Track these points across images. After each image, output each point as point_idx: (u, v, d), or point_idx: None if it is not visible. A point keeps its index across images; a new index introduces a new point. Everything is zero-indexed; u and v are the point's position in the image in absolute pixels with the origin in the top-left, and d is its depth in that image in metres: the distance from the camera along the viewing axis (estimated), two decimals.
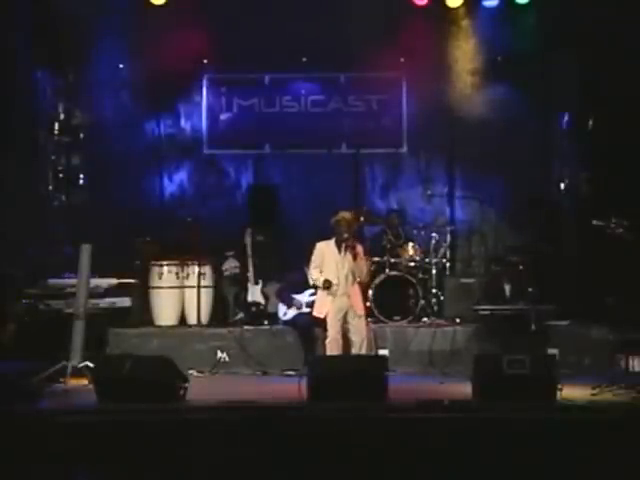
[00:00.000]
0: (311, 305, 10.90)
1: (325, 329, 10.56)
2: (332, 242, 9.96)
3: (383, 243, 11.83)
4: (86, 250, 10.20)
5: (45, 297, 10.68)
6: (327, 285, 9.88)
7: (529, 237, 12.26)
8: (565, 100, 12.50)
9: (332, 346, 9.82)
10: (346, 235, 9.84)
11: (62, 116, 12.52)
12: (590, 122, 12.08)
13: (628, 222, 9.09)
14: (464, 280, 11.85)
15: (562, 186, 12.64)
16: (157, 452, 7.29)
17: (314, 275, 10.05)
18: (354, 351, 9.83)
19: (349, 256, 9.85)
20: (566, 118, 12.60)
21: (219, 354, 10.85)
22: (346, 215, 10.01)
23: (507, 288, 11.15)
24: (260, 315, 11.56)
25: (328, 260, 9.91)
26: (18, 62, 11.69)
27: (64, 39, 11.98)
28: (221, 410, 8.00)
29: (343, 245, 9.88)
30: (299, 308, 10.96)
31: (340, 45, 12.18)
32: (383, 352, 10.51)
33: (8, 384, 8.27)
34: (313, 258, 10.05)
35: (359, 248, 9.97)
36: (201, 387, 9.20)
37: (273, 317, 11.38)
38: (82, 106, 12.63)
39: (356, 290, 10.01)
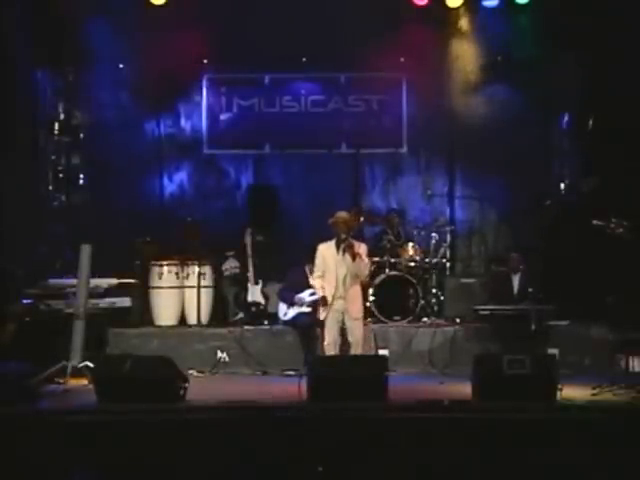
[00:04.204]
0: (311, 305, 10.91)
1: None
2: (332, 243, 9.86)
3: (383, 243, 11.84)
4: (86, 250, 10.21)
5: (45, 297, 10.67)
6: (324, 302, 9.82)
7: (529, 237, 12.27)
8: (565, 100, 12.50)
9: (329, 349, 9.77)
10: (343, 236, 9.72)
11: (62, 116, 12.53)
12: (590, 122, 12.09)
13: (628, 222, 9.10)
14: (464, 280, 11.84)
15: (562, 186, 12.66)
16: (157, 452, 7.29)
17: (316, 285, 10.07)
18: (351, 352, 9.81)
19: (348, 257, 9.70)
20: (566, 118, 12.61)
21: (219, 354, 10.84)
22: (343, 215, 9.91)
23: (515, 287, 11.12)
24: (260, 315, 11.56)
25: (328, 262, 9.82)
26: (18, 62, 11.69)
27: (64, 39, 11.98)
28: (221, 410, 8.00)
29: (341, 246, 9.75)
30: (301, 306, 10.93)
31: (340, 45, 12.18)
32: (383, 352, 10.51)
33: (8, 384, 8.27)
34: (316, 263, 9.98)
35: (360, 248, 9.83)
36: (201, 387, 9.19)
37: (273, 317, 11.38)
38: (82, 106, 12.64)
39: (355, 292, 9.85)
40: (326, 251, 9.87)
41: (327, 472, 7.19)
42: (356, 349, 9.77)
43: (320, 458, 7.22)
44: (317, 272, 9.99)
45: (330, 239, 9.93)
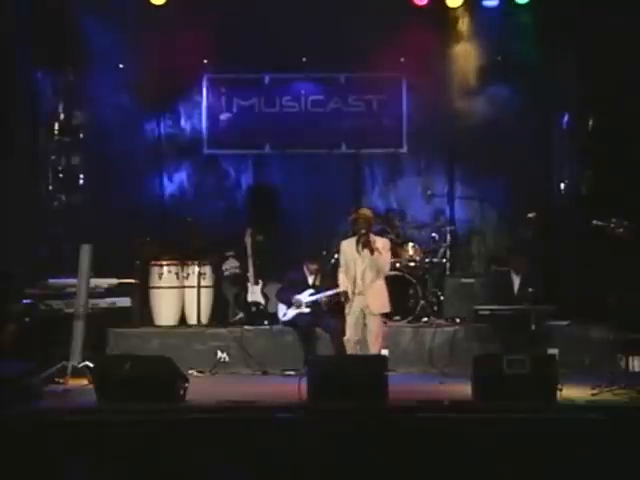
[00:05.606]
0: (311, 305, 10.92)
1: (325, 330, 10.60)
2: (354, 240, 9.82)
3: None
4: (86, 250, 10.21)
5: (45, 297, 10.67)
6: (343, 297, 9.80)
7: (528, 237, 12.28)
8: (565, 100, 12.50)
9: (348, 346, 9.74)
10: (363, 231, 9.70)
11: (62, 116, 12.52)
12: (590, 122, 12.09)
13: (628, 222, 9.09)
14: (464, 280, 11.83)
15: (562, 186, 12.67)
16: (157, 452, 7.29)
17: (340, 280, 9.97)
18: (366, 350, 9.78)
19: (367, 253, 9.67)
20: (566, 118, 12.60)
21: (219, 354, 10.85)
22: (365, 212, 9.96)
23: (515, 287, 11.10)
24: (260, 315, 11.55)
25: (348, 258, 9.81)
26: (18, 62, 11.69)
27: (64, 39, 11.98)
28: (221, 410, 8.00)
29: (360, 242, 9.72)
30: (299, 307, 10.94)
31: (340, 45, 12.18)
32: (383, 352, 10.50)
33: (8, 384, 8.27)
34: (340, 259, 9.98)
35: (379, 243, 9.78)
36: (201, 387, 9.20)
37: (273, 317, 11.37)
38: (82, 106, 12.62)
39: (376, 288, 9.77)
40: (347, 247, 9.86)
41: (326, 472, 7.20)
42: (371, 347, 9.73)
43: (320, 458, 7.22)
44: (341, 267, 9.96)
45: (335, 237, 9.94)
